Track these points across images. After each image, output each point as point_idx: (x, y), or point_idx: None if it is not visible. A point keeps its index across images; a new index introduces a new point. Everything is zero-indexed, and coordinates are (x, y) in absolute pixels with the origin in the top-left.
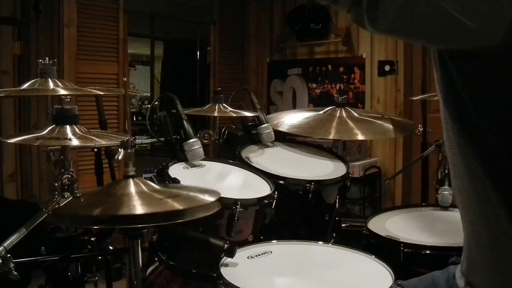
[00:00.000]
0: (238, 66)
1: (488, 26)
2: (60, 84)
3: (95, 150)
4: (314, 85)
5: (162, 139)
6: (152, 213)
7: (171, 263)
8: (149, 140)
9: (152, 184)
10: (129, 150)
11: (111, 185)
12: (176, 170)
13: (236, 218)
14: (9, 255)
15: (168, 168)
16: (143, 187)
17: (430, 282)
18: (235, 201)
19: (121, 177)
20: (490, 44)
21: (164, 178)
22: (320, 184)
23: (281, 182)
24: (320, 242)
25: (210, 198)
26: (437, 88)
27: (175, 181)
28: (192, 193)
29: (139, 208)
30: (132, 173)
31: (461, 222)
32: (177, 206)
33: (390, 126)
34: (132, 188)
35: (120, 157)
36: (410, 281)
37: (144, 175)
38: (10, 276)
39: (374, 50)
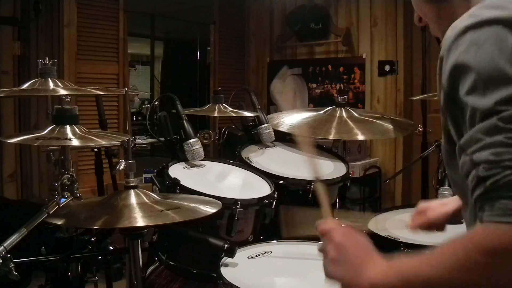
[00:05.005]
0: (238, 66)
1: None
2: (60, 84)
3: (95, 150)
4: (314, 85)
5: (162, 139)
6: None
7: (171, 263)
8: (149, 140)
9: (153, 194)
10: (130, 160)
11: (112, 196)
12: (176, 170)
13: (236, 218)
14: (9, 255)
15: (168, 168)
16: (144, 198)
17: None
18: (235, 201)
19: (121, 178)
20: None
21: (164, 178)
22: None
23: (281, 182)
24: (320, 242)
25: (211, 210)
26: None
27: (175, 181)
28: (193, 204)
29: (140, 221)
30: (133, 183)
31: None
32: (178, 218)
33: (390, 126)
34: (133, 199)
35: (121, 168)
36: None
37: (144, 175)
38: (10, 276)
39: (374, 50)
